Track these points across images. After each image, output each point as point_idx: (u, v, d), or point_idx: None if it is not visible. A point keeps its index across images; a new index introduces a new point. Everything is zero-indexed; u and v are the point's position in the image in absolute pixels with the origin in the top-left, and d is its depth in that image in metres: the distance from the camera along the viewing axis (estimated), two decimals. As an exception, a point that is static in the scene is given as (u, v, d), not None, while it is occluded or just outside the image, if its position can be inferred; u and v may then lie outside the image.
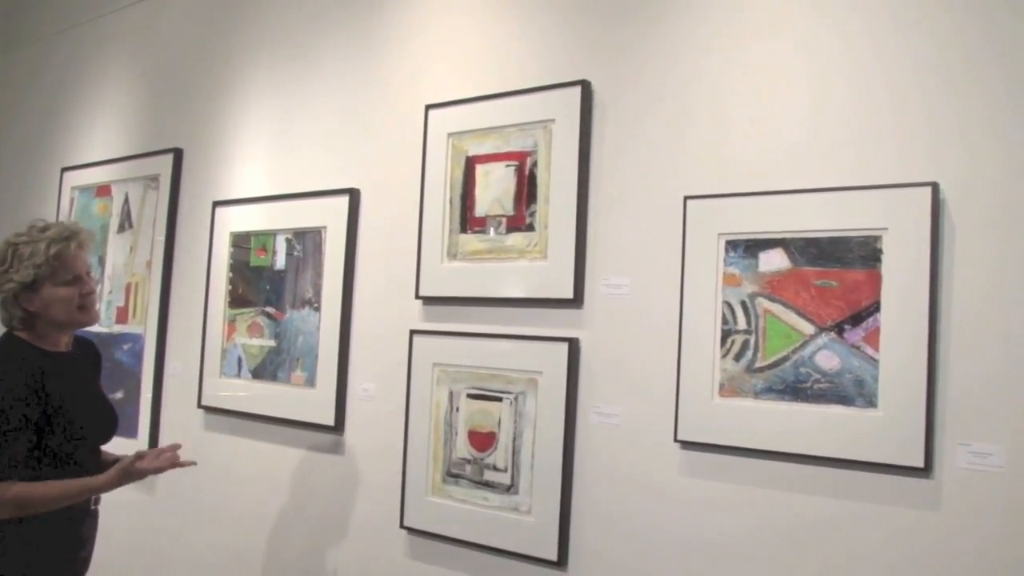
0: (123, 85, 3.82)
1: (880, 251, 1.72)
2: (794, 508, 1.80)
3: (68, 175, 3.97)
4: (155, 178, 3.48)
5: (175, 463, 2.12)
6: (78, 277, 2.08)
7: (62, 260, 2.05)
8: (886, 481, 1.70)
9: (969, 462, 1.62)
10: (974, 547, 1.60)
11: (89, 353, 2.30)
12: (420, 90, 2.57)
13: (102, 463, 2.18)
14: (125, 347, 3.50)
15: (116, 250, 3.64)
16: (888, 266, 1.71)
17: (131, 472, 2.04)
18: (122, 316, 3.56)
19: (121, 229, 3.64)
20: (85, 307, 2.10)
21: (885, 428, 1.69)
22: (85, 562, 2.18)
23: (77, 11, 4.17)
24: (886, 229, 1.72)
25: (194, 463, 2.21)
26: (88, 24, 4.08)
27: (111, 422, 2.20)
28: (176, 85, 3.52)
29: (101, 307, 3.66)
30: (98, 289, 3.67)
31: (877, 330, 1.72)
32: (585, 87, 2.17)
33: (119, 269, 3.60)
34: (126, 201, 3.62)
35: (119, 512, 3.45)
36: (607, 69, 2.17)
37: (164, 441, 3.30)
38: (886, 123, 1.75)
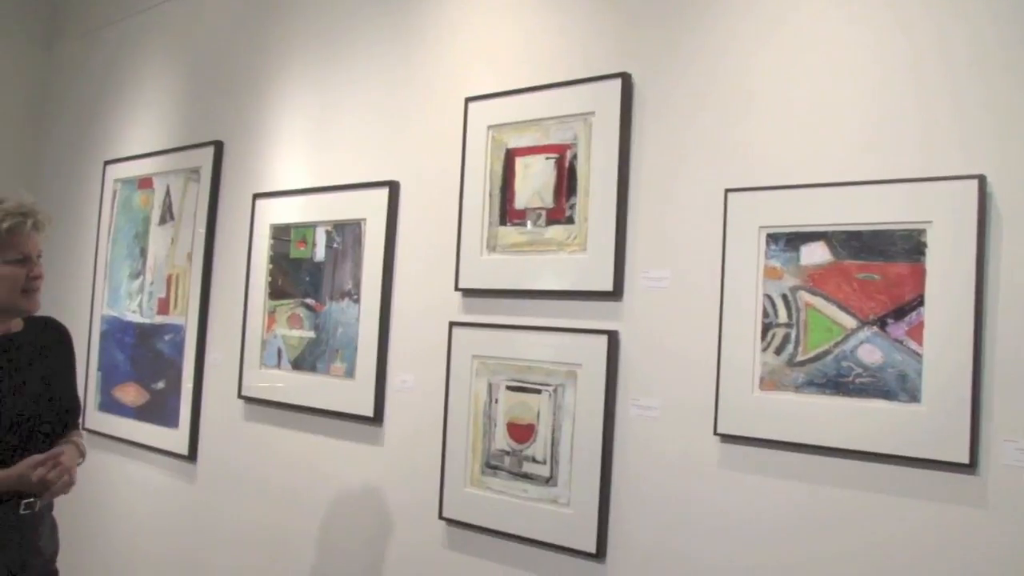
0: (165, 79, 3.88)
1: (924, 244, 1.71)
2: (836, 503, 1.80)
3: (111, 168, 4.05)
4: (196, 170, 3.53)
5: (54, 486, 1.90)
6: (28, 258, 1.93)
7: (14, 237, 1.90)
8: (930, 477, 1.69)
9: (1016, 459, 1.60)
10: (1021, 545, 1.59)
11: (43, 336, 2.11)
12: (460, 83, 2.59)
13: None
14: (166, 338, 3.57)
15: (157, 242, 3.70)
16: (932, 260, 1.70)
17: (38, 462, 1.85)
18: (163, 307, 3.62)
19: (162, 221, 3.70)
20: (29, 291, 1.95)
21: (929, 423, 1.68)
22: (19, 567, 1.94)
23: (120, 6, 4.23)
24: (931, 222, 1.70)
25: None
26: (131, 19, 4.15)
27: (45, 408, 2.00)
28: (217, 78, 3.56)
29: (143, 298, 3.74)
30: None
31: (921, 324, 1.70)
32: (625, 79, 2.17)
33: (160, 261, 3.66)
34: (167, 193, 3.68)
35: (159, 498, 3.54)
36: (647, 62, 2.17)
37: (205, 431, 3.36)
38: (932, 115, 1.73)
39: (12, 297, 1.93)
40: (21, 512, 1.92)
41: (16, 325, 2.04)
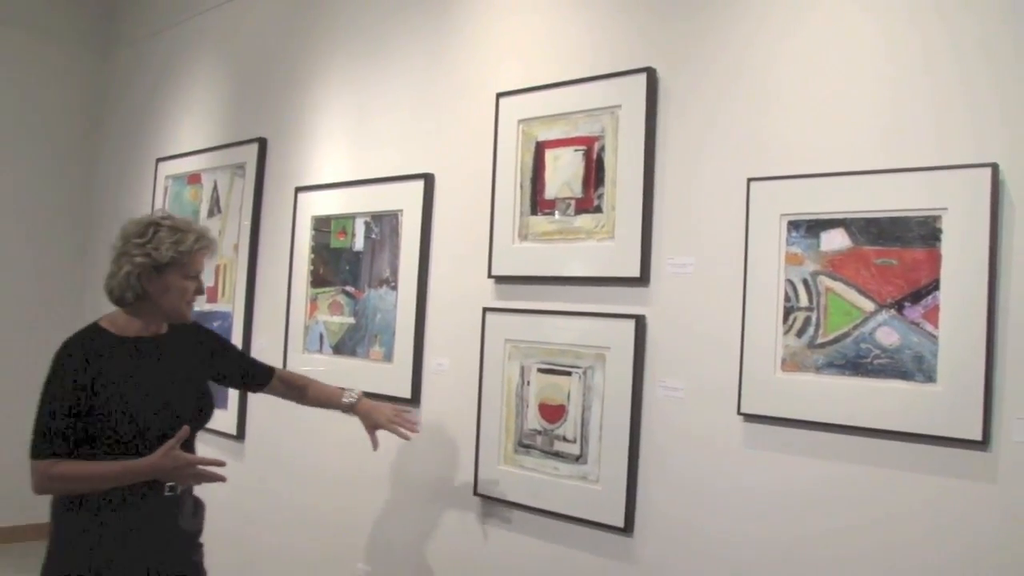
0: (211, 81, 4.03)
1: (940, 231, 1.76)
2: (854, 479, 1.86)
3: (162, 165, 4.22)
4: (241, 166, 3.68)
5: (212, 478, 2.05)
6: (197, 276, 2.16)
7: (198, 257, 2.13)
8: (944, 454, 1.74)
9: (1026, 435, 1.66)
10: (1030, 517, 1.64)
11: (188, 340, 2.24)
12: (491, 79, 2.68)
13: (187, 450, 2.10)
14: (215, 324, 3.71)
15: (205, 234, 3.86)
16: (948, 245, 1.75)
17: (174, 456, 1.96)
18: (212, 295, 3.77)
19: (210, 214, 3.85)
20: (191, 304, 2.16)
21: (944, 402, 1.73)
22: (160, 552, 2.07)
23: (169, 14, 4.42)
24: (946, 209, 1.75)
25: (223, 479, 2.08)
26: (179, 27, 4.32)
27: (193, 404, 2.15)
28: (260, 79, 3.70)
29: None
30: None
31: (936, 307, 1.76)
32: (650, 74, 2.24)
33: (208, 252, 3.81)
34: (215, 188, 3.83)
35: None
36: (672, 56, 2.24)
37: (252, 412, 3.51)
38: (946, 105, 1.79)
39: (179, 306, 2.12)
40: (165, 494, 2.07)
41: (163, 328, 2.19)
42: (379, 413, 2.45)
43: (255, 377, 2.48)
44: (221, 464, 2.06)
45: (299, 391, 2.54)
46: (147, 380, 2.06)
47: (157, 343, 2.15)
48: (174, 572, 2.11)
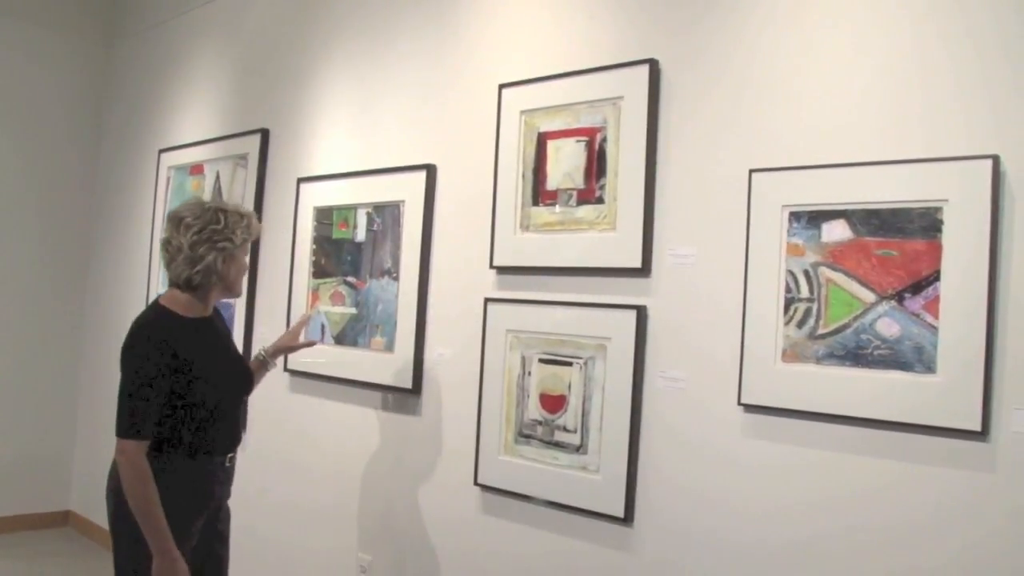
0: (214, 72, 4.03)
1: (941, 222, 1.77)
2: (854, 470, 1.87)
3: (165, 155, 4.22)
4: (244, 157, 3.68)
5: None
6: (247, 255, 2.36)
7: (254, 238, 2.32)
8: (943, 444, 1.75)
9: (1025, 426, 1.66)
10: (1028, 507, 1.65)
11: (218, 315, 2.44)
12: (493, 70, 2.68)
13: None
14: (216, 315, 3.73)
15: (207, 225, 3.86)
16: (948, 236, 1.76)
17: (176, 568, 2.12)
18: (213, 286, 3.77)
19: (212, 205, 3.85)
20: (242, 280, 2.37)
21: (943, 393, 1.74)
22: (216, 509, 2.38)
23: (172, 5, 4.42)
24: (947, 200, 1.76)
25: None
26: (183, 17, 4.33)
27: (246, 376, 2.41)
28: (263, 70, 3.71)
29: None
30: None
31: (937, 298, 1.77)
32: (653, 65, 2.25)
33: (210, 242, 3.82)
34: (217, 179, 3.83)
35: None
36: (674, 47, 2.24)
37: (253, 401, 3.50)
38: (948, 96, 1.79)
39: (239, 283, 2.32)
40: (227, 465, 2.33)
41: (211, 309, 2.34)
42: (283, 343, 2.71)
43: None
44: None
45: None
46: (215, 357, 2.26)
47: (212, 322, 2.33)
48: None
